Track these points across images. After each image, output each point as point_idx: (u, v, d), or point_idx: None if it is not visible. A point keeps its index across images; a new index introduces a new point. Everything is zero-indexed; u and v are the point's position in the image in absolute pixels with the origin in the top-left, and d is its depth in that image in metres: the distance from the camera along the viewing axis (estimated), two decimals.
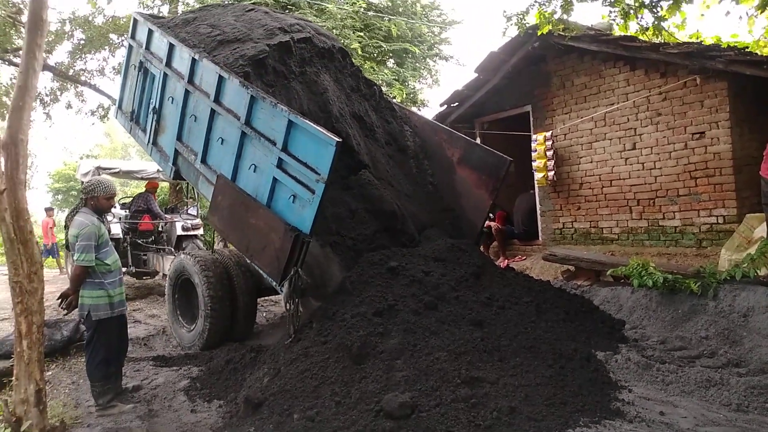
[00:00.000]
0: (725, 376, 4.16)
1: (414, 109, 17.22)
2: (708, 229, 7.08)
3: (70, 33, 15.84)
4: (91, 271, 4.31)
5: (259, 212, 4.82)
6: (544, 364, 4.30)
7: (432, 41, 18.63)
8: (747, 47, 7.80)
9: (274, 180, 4.73)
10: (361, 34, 15.16)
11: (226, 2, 14.09)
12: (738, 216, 6.68)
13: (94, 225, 4.33)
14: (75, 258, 4.32)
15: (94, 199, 4.48)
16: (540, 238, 9.29)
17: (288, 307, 4.49)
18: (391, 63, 17.79)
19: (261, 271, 4.91)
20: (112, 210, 11.03)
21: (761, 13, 7.09)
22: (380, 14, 16.21)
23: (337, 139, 4.24)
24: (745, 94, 6.83)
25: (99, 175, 11.29)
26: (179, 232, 10.54)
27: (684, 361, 4.59)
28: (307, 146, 4.52)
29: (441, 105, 10.47)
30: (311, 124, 4.51)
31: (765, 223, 5.55)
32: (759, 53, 7.63)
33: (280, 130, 4.66)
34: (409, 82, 17.56)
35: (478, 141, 9.44)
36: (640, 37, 7.75)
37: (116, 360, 4.56)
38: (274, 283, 4.69)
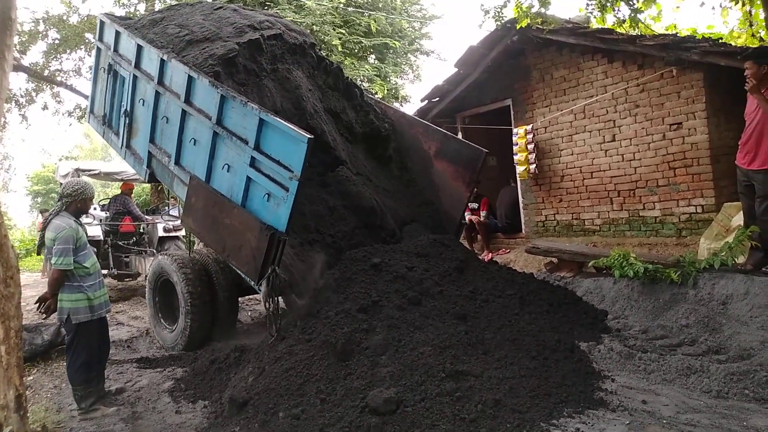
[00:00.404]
0: (705, 363, 4.23)
1: (396, 104, 17.24)
2: (687, 218, 7.18)
3: (44, 33, 15.59)
4: (69, 274, 4.26)
5: (234, 212, 4.79)
6: (528, 356, 4.33)
7: (413, 36, 18.63)
8: (722, 38, 7.91)
9: (248, 179, 4.70)
10: (342, 30, 15.09)
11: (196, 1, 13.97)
12: (716, 205, 6.78)
13: (71, 228, 4.27)
14: (53, 262, 4.24)
15: (81, 202, 4.47)
16: (523, 231, 9.35)
17: (267, 306, 4.47)
18: (372, 59, 17.75)
19: (238, 271, 4.88)
20: (92, 212, 10.91)
21: (735, 4, 7.20)
22: (360, 10, 16.16)
23: (309, 136, 4.23)
24: (720, 84, 6.92)
25: (79, 176, 11.15)
26: (161, 233, 10.43)
27: (665, 350, 4.65)
28: (279, 144, 4.49)
29: (422, 100, 10.48)
30: (282, 121, 4.49)
31: (742, 211, 5.64)
32: (733, 44, 7.75)
33: (252, 128, 4.63)
34: (391, 78, 17.55)
35: (459, 136, 9.46)
36: (617, 30, 7.82)
37: (98, 363, 4.51)
38: (252, 283, 4.66)
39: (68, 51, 16.05)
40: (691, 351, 4.58)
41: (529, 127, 8.86)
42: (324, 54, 13.80)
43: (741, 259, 5.50)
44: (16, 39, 14.68)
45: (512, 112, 9.41)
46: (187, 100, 5.38)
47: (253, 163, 4.67)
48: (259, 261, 4.45)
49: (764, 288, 4.86)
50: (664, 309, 5.37)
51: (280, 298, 4.58)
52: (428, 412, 3.52)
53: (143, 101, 6.11)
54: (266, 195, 4.56)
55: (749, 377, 3.91)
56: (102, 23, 7.04)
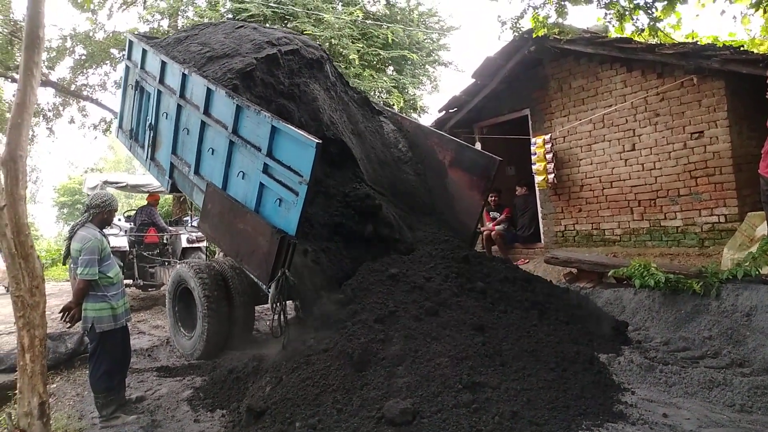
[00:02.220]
0: (729, 376, 4.15)
1: (414, 115, 17.29)
2: (710, 228, 7.06)
3: (71, 49, 15.99)
4: (94, 284, 4.36)
5: (247, 217, 4.94)
6: (547, 367, 4.29)
7: (430, 48, 18.69)
8: (743, 46, 7.81)
9: (261, 185, 4.86)
10: (360, 43, 15.22)
11: (226, 16, 14.22)
12: (739, 214, 6.66)
13: (96, 239, 4.38)
14: (78, 272, 4.36)
15: (107, 213, 4.60)
16: (542, 241, 9.28)
17: (274, 308, 4.54)
18: (390, 70, 17.84)
19: (251, 275, 4.99)
20: (117, 223, 11.13)
21: (756, 11, 7.10)
22: (378, 22, 16.28)
23: (317, 141, 4.35)
24: (742, 92, 6.82)
25: (105, 189, 11.40)
26: (184, 244, 10.59)
27: (687, 362, 4.57)
28: (289, 150, 4.64)
29: (440, 111, 10.50)
30: (292, 127, 4.66)
31: (766, 221, 5.53)
32: (755, 51, 7.64)
33: (265, 136, 4.80)
34: (409, 89, 17.60)
35: (477, 146, 9.45)
36: (636, 39, 7.76)
37: (119, 371, 4.60)
38: (264, 286, 4.75)
39: (94, 66, 16.46)
40: (714, 363, 4.49)
41: (547, 137, 8.82)
42: (343, 66, 14.00)
43: (765, 270, 5.38)
44: (44, 55, 15.12)
45: (530, 122, 9.38)
46: (206, 112, 5.58)
47: (265, 169, 4.82)
48: (270, 264, 4.55)
49: None
50: (686, 320, 5.28)
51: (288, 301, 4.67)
52: (444, 424, 3.50)
53: (166, 114, 6.34)
54: (278, 200, 4.69)
55: None
56: (131, 43, 7.34)
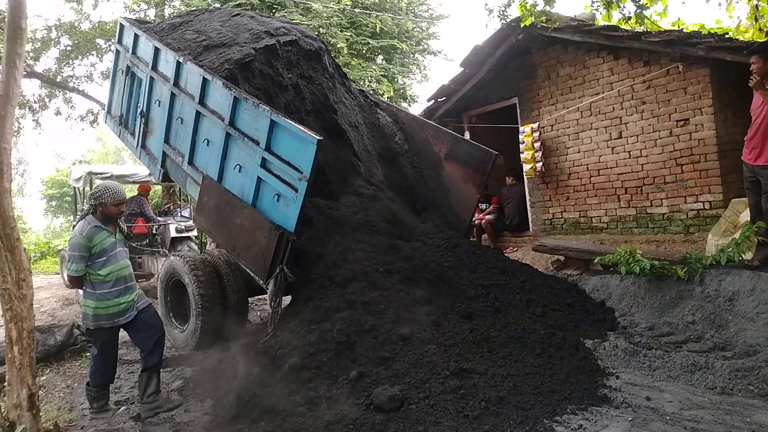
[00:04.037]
0: (711, 360, 4.23)
1: (404, 105, 17.27)
2: (695, 215, 7.14)
3: (56, 40, 15.78)
4: (85, 280, 4.25)
5: (245, 212, 4.89)
6: (533, 353, 4.36)
7: (420, 36, 18.64)
8: (728, 33, 7.85)
9: (259, 179, 4.81)
10: (348, 32, 15.15)
11: (214, 5, 14.10)
12: (724, 201, 6.75)
13: (81, 236, 4.15)
14: (66, 267, 4.36)
15: (102, 206, 4.27)
16: (530, 229, 9.35)
17: (272, 305, 4.54)
18: (379, 59, 17.79)
19: (248, 270, 4.96)
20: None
21: None
22: (366, 11, 16.20)
23: (318, 137, 4.31)
24: (727, 80, 6.88)
25: (90, 180, 11.32)
26: (173, 234, 10.56)
27: (671, 347, 4.65)
28: (289, 145, 4.59)
29: (428, 100, 10.51)
30: (293, 123, 4.58)
31: (749, 207, 5.60)
32: (740, 39, 7.69)
33: (263, 129, 4.74)
34: (398, 78, 17.57)
35: (466, 135, 9.48)
36: (623, 27, 7.79)
37: (114, 370, 4.51)
38: (261, 282, 4.74)
39: (80, 57, 16.25)
40: (697, 348, 4.57)
41: (535, 126, 8.86)
42: (332, 56, 13.94)
43: (748, 256, 5.46)
44: (29, 46, 14.92)
45: (518, 111, 9.41)
46: (201, 102, 5.51)
47: (264, 163, 4.77)
48: (268, 260, 4.54)
49: None
50: (670, 306, 5.36)
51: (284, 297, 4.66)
52: (432, 410, 3.56)
53: (159, 102, 6.24)
54: (276, 195, 4.66)
55: (754, 373, 3.91)
56: (122, 26, 7.21)
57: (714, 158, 6.90)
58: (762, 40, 7.08)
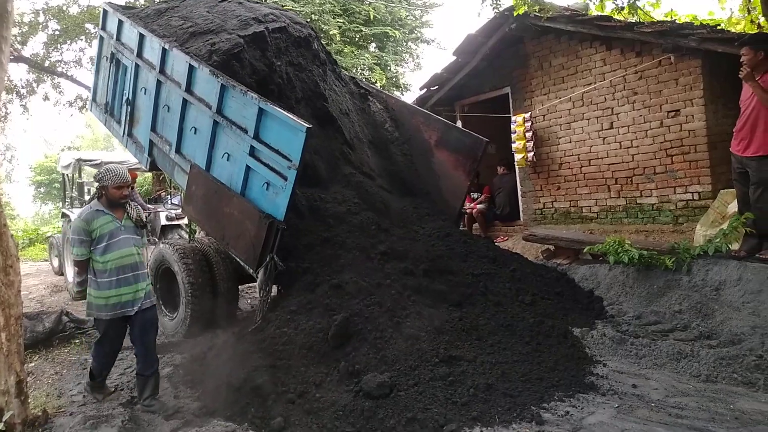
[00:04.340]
0: (696, 348, 4.28)
1: (397, 93, 17.21)
2: (684, 205, 7.19)
3: (44, 24, 15.57)
4: (88, 266, 4.08)
5: (233, 201, 4.85)
6: (522, 341, 4.40)
7: (413, 25, 18.55)
8: (720, 25, 7.87)
9: (247, 168, 4.77)
10: (341, 19, 15.04)
11: None
12: (713, 192, 6.79)
13: (79, 219, 4.06)
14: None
15: (104, 189, 4.09)
16: (521, 219, 9.38)
17: (261, 293, 4.54)
18: (372, 47, 17.69)
19: (237, 259, 4.94)
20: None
21: None
22: None
23: (307, 125, 4.29)
24: (719, 71, 6.90)
25: (79, 167, 11.22)
26: (163, 222, 10.48)
27: (657, 335, 4.71)
28: (278, 133, 4.56)
29: (421, 89, 10.47)
30: (281, 110, 4.55)
31: (737, 198, 5.65)
32: (732, 30, 7.71)
33: (251, 117, 4.70)
34: (391, 66, 17.50)
35: (459, 124, 9.47)
36: (616, 17, 7.78)
37: (111, 362, 4.40)
38: (251, 270, 4.72)
39: (69, 42, 16.04)
40: (683, 336, 4.63)
41: (527, 115, 8.86)
42: (324, 43, 13.83)
43: (735, 246, 5.52)
44: (16, 30, 14.70)
45: (511, 100, 9.40)
46: (188, 89, 5.44)
47: (252, 152, 4.73)
48: (258, 249, 4.52)
49: (757, 274, 4.90)
50: (658, 295, 5.41)
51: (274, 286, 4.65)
52: (421, 396, 3.59)
53: (145, 90, 6.15)
54: (265, 184, 4.63)
55: (738, 362, 3.97)
56: (105, 12, 7.08)
57: (704, 149, 6.94)
58: (753, 32, 7.11)
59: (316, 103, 6.18)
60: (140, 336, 4.12)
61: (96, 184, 4.21)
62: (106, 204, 4.12)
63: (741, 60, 5.19)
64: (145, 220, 4.31)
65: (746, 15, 7.97)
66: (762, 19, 7.23)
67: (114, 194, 4.09)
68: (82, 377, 4.88)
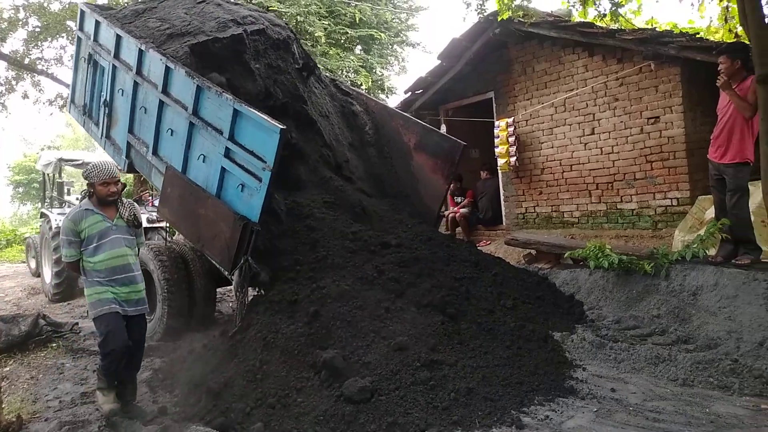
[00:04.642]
0: (674, 352, 4.34)
1: (382, 96, 17.24)
2: (663, 211, 7.30)
3: (24, 20, 15.32)
4: (81, 267, 3.95)
5: (208, 202, 4.84)
6: (503, 345, 4.42)
7: (398, 28, 18.59)
8: (699, 33, 8.01)
9: (223, 170, 4.77)
10: (326, 21, 15.01)
11: None
12: (691, 198, 6.91)
13: (67, 219, 3.91)
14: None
15: (92, 186, 3.92)
16: (504, 223, 9.45)
17: (237, 296, 4.51)
18: (357, 50, 17.69)
19: (213, 261, 4.92)
20: (74, 202, 10.80)
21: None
22: (345, 0, 16.08)
23: (282, 127, 4.30)
24: (697, 79, 7.01)
25: (61, 166, 11.06)
26: (144, 224, 10.37)
27: (636, 339, 4.76)
28: (253, 135, 4.57)
29: (405, 92, 10.51)
30: (256, 112, 4.55)
31: (714, 205, 5.74)
32: (711, 39, 7.85)
33: (227, 119, 4.70)
34: (376, 69, 17.51)
35: (443, 128, 9.51)
36: (598, 24, 7.88)
37: (119, 364, 3.95)
38: (227, 273, 4.70)
39: (49, 39, 15.80)
40: (661, 341, 4.69)
41: (510, 120, 8.93)
42: (309, 45, 13.80)
43: (712, 252, 5.61)
44: None
45: (494, 105, 9.47)
46: (165, 91, 5.42)
47: (227, 153, 4.73)
48: (232, 251, 4.50)
49: (732, 279, 4.98)
50: (637, 300, 5.47)
51: (250, 288, 4.63)
52: (402, 401, 3.59)
53: (122, 91, 6.12)
54: (240, 185, 4.62)
55: (714, 366, 4.03)
56: (83, 13, 7.04)
57: (682, 156, 7.05)
58: (731, 41, 7.24)
59: (295, 105, 6.16)
60: (134, 347, 3.99)
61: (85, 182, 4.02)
62: (96, 203, 3.95)
63: (719, 68, 5.29)
64: (140, 219, 4.13)
65: (724, 24, 8.12)
66: (740, 29, 7.36)
67: (101, 191, 3.92)
68: (59, 382, 4.82)
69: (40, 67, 16.15)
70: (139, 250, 4.24)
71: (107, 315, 3.85)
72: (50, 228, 9.22)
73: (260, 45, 6.21)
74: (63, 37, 15.88)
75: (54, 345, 5.92)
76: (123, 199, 4.09)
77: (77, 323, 6.67)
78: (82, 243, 3.87)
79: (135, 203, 4.23)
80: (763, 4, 4.75)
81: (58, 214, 9.59)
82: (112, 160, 4.90)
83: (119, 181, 4.05)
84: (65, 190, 11.61)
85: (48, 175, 11.25)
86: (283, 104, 6.00)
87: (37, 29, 15.47)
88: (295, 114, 6.08)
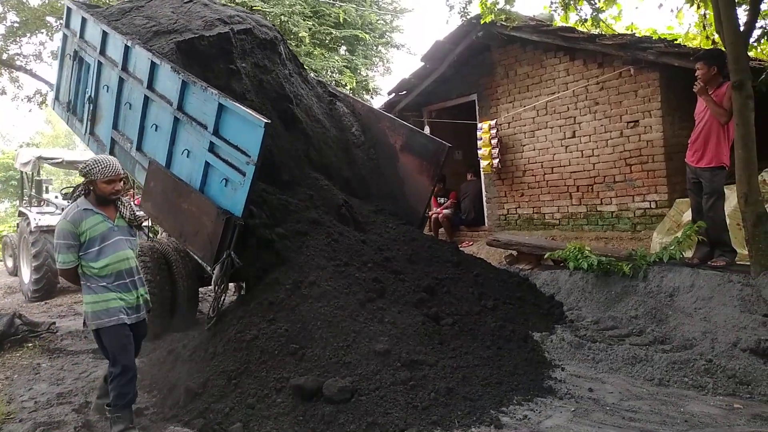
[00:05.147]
0: (650, 353, 4.40)
1: (366, 97, 17.24)
2: (642, 213, 7.41)
3: (2, 15, 15.07)
4: (80, 273, 3.58)
5: (191, 197, 4.83)
6: (483, 345, 4.45)
7: (383, 29, 18.63)
8: (677, 39, 8.15)
9: (207, 164, 4.76)
10: (310, 21, 14.98)
11: None
12: (669, 201, 7.02)
13: (65, 221, 3.52)
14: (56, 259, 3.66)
15: (92, 184, 3.59)
16: (486, 224, 9.51)
17: (215, 289, 4.49)
18: (342, 50, 17.69)
19: (195, 256, 4.89)
20: (54, 200, 10.66)
21: (690, 6, 7.42)
22: (330, 1, 16.06)
23: (266, 121, 4.29)
24: (676, 84, 7.14)
25: (39, 165, 10.89)
26: None
27: (614, 340, 4.83)
28: (237, 129, 4.56)
29: (389, 93, 10.53)
30: (240, 106, 4.56)
31: (691, 207, 5.85)
32: (688, 45, 7.99)
33: (211, 113, 4.69)
34: (361, 70, 17.53)
35: (426, 129, 9.55)
36: (579, 29, 7.98)
37: (134, 379, 3.65)
38: (208, 267, 4.68)
39: (28, 35, 15.58)
40: (638, 341, 4.76)
41: (493, 122, 9.00)
42: (294, 45, 13.75)
43: (689, 254, 5.71)
44: None
45: (477, 107, 9.53)
46: (150, 86, 5.40)
47: (212, 148, 4.72)
48: (215, 246, 4.48)
49: (708, 281, 5.07)
50: (615, 301, 5.55)
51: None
52: (382, 401, 3.59)
53: (107, 87, 6.10)
54: (224, 180, 4.61)
55: (689, 366, 4.10)
56: (69, 10, 7.00)
57: (661, 159, 7.17)
58: (708, 48, 7.38)
59: (281, 105, 6.16)
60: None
61: (83, 180, 3.65)
62: (95, 202, 3.62)
63: (696, 74, 5.39)
64: (141, 219, 3.85)
65: (702, 31, 8.27)
66: (716, 36, 7.51)
67: (104, 190, 3.59)
68: (35, 382, 4.75)
69: (18, 63, 15.90)
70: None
71: (116, 327, 3.51)
72: (28, 226, 9.07)
73: (247, 44, 6.21)
74: (42, 33, 15.67)
75: (30, 345, 5.84)
76: (121, 197, 3.78)
77: (54, 323, 6.58)
78: (81, 247, 3.52)
79: (132, 202, 3.92)
80: (737, 14, 4.85)
81: (37, 212, 9.44)
82: (114, 157, 4.75)
83: (123, 177, 3.78)
84: (44, 188, 11.43)
85: (26, 173, 11.06)
86: (271, 104, 5.99)
87: (16, 24, 15.23)
88: (281, 113, 6.07)
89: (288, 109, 6.21)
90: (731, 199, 5.63)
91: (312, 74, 8.40)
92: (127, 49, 5.69)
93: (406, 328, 4.44)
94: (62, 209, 9.87)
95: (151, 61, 5.31)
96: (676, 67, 6.68)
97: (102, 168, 3.55)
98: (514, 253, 7.17)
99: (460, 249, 6.95)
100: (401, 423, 3.39)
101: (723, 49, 5.35)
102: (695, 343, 4.51)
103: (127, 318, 3.57)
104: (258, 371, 3.88)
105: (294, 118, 6.22)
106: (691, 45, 8.26)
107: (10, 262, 11.19)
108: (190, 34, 5.83)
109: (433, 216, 9.68)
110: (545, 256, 6.51)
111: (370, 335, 4.25)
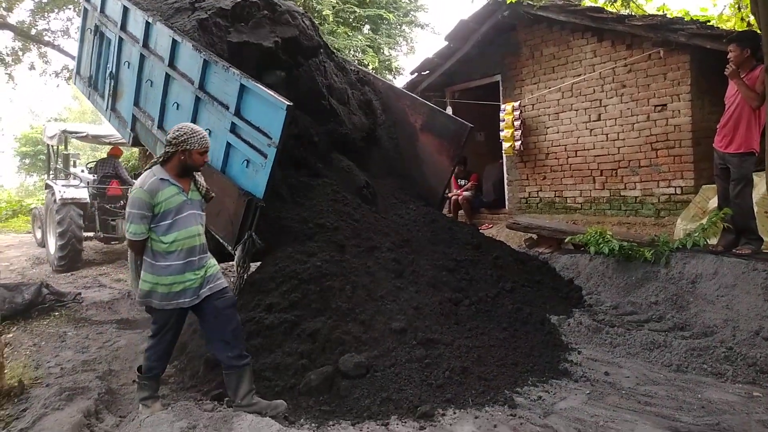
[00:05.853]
0: (669, 339, 4.36)
1: (389, 77, 17.12)
2: (666, 199, 7.27)
3: None
4: (146, 247, 3.36)
5: (213, 177, 4.82)
6: (499, 327, 4.46)
7: (407, 8, 18.41)
8: (710, 21, 7.90)
9: (228, 145, 4.76)
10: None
11: None
12: (695, 187, 6.88)
13: (142, 190, 3.27)
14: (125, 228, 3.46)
15: (186, 154, 3.33)
16: (507, 207, 9.44)
17: (238, 270, 4.54)
18: (365, 29, 17.54)
19: (216, 236, 4.93)
20: (79, 174, 10.85)
21: None
22: None
23: (288, 103, 4.27)
24: (706, 67, 6.93)
25: (65, 138, 11.08)
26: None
27: (632, 325, 4.79)
28: (259, 110, 4.54)
29: (411, 73, 10.43)
30: (262, 87, 4.53)
31: (717, 194, 5.72)
32: (722, 27, 7.75)
33: (233, 94, 4.68)
34: (384, 49, 17.38)
35: (448, 110, 9.46)
36: (608, 9, 7.78)
37: (167, 358, 3.60)
38: (230, 248, 4.72)
39: (56, 10, 15.69)
40: (658, 327, 4.71)
41: (516, 104, 8.87)
42: (317, 23, 13.68)
43: (713, 241, 5.61)
44: None
45: (501, 88, 9.40)
46: (171, 64, 5.38)
47: (233, 129, 4.71)
48: (236, 226, 4.52)
49: (732, 269, 4.98)
50: (635, 286, 5.49)
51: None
52: (397, 377, 3.64)
53: (128, 64, 6.09)
54: (245, 161, 4.61)
55: (709, 353, 4.06)
56: None
57: (688, 144, 7.00)
58: (742, 30, 7.14)
59: (313, 87, 6.12)
60: (223, 324, 3.40)
61: (169, 147, 3.37)
62: (177, 171, 3.37)
63: (727, 57, 5.23)
64: (211, 193, 3.62)
65: (737, 12, 8.00)
66: (752, 18, 7.26)
67: (198, 161, 3.39)
68: (61, 350, 4.89)
69: (46, 38, 16.06)
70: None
71: (173, 311, 3.37)
72: (54, 198, 9.27)
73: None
74: (70, 8, 15.76)
75: (56, 314, 6.00)
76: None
77: (80, 293, 6.75)
78: (154, 218, 3.30)
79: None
80: None
81: (62, 185, 9.63)
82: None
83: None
84: (71, 162, 11.64)
85: (53, 147, 11.27)
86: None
87: (44, 0, 15.36)
88: (315, 103, 6.02)
89: (320, 92, 6.15)
90: (760, 186, 5.50)
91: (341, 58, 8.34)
92: (148, 25, 5.67)
93: (423, 307, 4.46)
94: (87, 183, 10.08)
95: (173, 38, 5.30)
96: (707, 50, 6.49)
97: (200, 138, 3.36)
98: (534, 236, 7.12)
99: (480, 231, 6.94)
100: (415, 399, 3.43)
101: (758, 31, 5.17)
102: (716, 331, 4.45)
103: (188, 301, 3.35)
104: (273, 345, 3.93)
105: (326, 102, 6.17)
106: (724, 27, 8.00)
107: (38, 234, 11.47)
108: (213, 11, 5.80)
109: (453, 198, 9.63)
110: (566, 240, 6.45)
111: (388, 313, 4.28)
